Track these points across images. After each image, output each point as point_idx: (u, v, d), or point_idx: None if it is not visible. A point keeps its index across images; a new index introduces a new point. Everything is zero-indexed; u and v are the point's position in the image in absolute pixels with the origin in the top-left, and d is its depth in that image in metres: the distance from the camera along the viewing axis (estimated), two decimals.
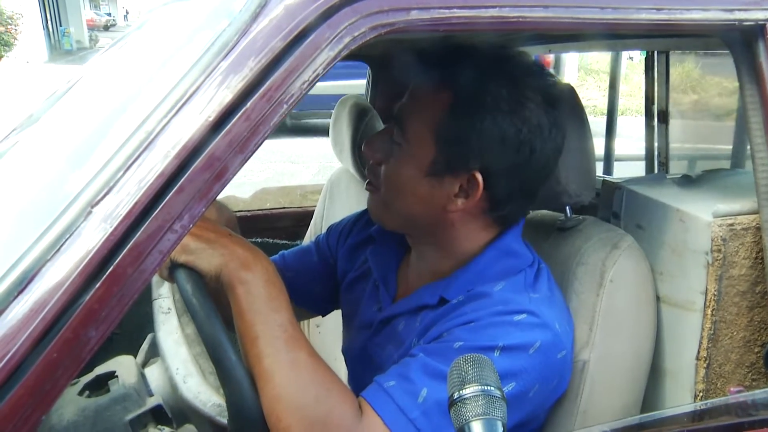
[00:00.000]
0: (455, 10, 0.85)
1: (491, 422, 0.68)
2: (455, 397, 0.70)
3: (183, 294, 0.89)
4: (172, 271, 0.91)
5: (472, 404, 0.69)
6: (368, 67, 2.49)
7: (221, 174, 0.76)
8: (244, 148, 0.77)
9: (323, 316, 1.53)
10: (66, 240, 0.71)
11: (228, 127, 0.76)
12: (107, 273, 0.71)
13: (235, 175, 0.77)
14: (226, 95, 0.76)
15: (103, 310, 0.70)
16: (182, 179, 0.74)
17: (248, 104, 0.77)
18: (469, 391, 0.70)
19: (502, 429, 0.68)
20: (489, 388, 0.70)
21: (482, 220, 1.09)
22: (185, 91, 0.77)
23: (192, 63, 0.79)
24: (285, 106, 0.78)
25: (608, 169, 2.39)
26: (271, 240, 2.42)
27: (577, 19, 0.91)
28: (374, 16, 0.81)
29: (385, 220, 1.15)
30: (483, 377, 0.71)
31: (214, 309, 0.88)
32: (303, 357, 0.91)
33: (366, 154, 1.12)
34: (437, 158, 1.03)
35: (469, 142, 1.01)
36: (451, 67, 1.04)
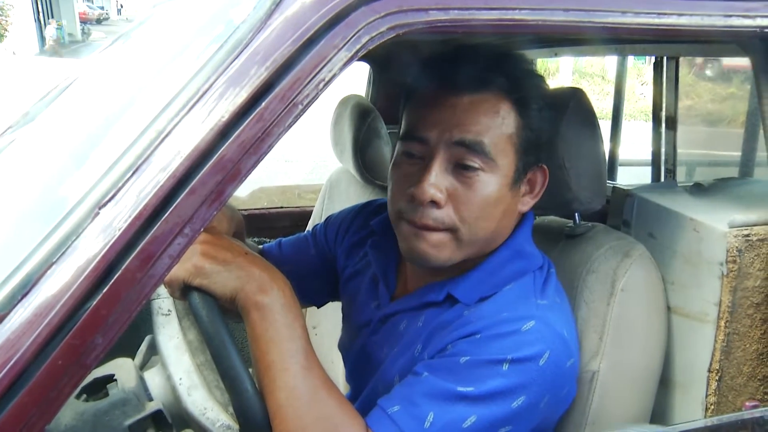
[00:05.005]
0: (474, 11, 0.83)
1: None
2: None
3: (198, 320, 0.87)
4: (184, 293, 0.89)
5: None
6: (369, 67, 2.46)
7: (234, 176, 0.73)
8: (257, 150, 0.74)
9: (318, 308, 1.51)
10: (72, 242, 0.69)
11: (241, 127, 0.73)
12: (115, 277, 0.68)
13: (248, 176, 0.74)
14: (239, 95, 0.73)
15: (110, 316, 0.68)
16: (194, 181, 0.71)
17: (262, 104, 0.74)
18: None
19: None
20: None
21: (517, 216, 1.10)
22: (197, 90, 0.74)
23: (204, 61, 0.76)
24: (300, 107, 0.76)
25: (612, 175, 2.38)
26: (268, 240, 2.39)
27: (598, 23, 0.89)
28: (393, 16, 0.78)
29: (455, 256, 1.03)
30: None
31: (231, 337, 0.86)
32: (314, 389, 0.88)
33: (432, 197, 0.98)
34: (517, 165, 1.03)
35: (538, 139, 1.06)
36: (492, 72, 1.02)
